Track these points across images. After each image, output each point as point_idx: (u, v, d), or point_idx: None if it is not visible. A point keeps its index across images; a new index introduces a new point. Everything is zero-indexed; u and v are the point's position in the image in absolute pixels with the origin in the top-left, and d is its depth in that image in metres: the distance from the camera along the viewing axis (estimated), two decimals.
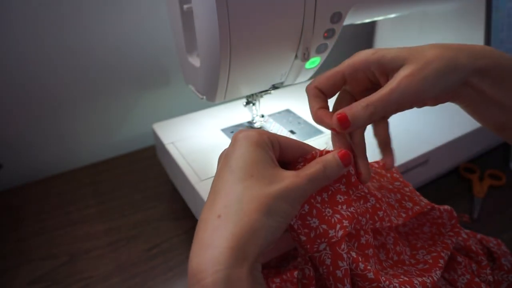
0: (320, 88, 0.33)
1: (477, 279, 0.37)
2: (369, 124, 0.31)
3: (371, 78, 0.32)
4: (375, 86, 0.32)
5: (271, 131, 0.30)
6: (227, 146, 0.56)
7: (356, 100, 0.33)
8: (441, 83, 0.29)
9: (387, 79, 0.31)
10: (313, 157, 0.30)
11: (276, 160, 0.30)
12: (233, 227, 0.24)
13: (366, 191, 0.33)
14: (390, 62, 0.30)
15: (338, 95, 0.35)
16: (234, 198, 0.25)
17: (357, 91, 0.34)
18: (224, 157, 0.29)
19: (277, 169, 0.28)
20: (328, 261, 0.29)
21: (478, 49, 0.30)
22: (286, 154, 0.30)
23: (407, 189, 0.39)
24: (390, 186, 0.38)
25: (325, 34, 0.41)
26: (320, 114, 0.32)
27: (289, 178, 0.27)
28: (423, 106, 0.32)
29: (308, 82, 0.35)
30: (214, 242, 0.24)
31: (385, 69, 0.30)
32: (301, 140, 0.31)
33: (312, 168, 0.29)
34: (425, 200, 0.39)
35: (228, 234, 0.24)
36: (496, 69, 0.30)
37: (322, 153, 0.31)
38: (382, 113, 0.29)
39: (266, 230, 0.25)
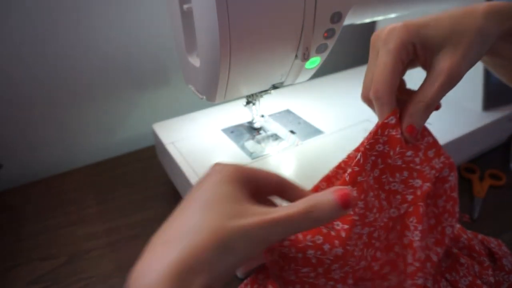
0: (393, 90, 0.30)
1: (478, 281, 0.37)
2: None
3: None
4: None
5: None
6: (227, 146, 0.57)
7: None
8: (478, 57, 0.30)
9: (425, 55, 0.31)
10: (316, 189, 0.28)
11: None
12: (180, 252, 0.22)
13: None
14: (432, 43, 0.30)
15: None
16: (189, 225, 0.23)
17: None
18: (194, 187, 0.27)
19: (246, 206, 0.25)
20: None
21: (503, 10, 0.30)
22: (265, 192, 0.29)
23: (417, 159, 0.32)
24: (399, 162, 0.32)
25: (325, 34, 0.41)
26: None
27: (255, 217, 0.24)
28: None
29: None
30: (153, 268, 0.22)
31: (427, 47, 0.30)
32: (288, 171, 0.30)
33: (292, 208, 0.24)
34: (443, 160, 0.32)
35: (172, 260, 0.21)
36: None
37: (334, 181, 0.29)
38: (437, 103, 0.30)
39: (215, 265, 0.22)
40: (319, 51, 0.43)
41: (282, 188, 0.29)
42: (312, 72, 0.47)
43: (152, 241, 0.25)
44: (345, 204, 0.24)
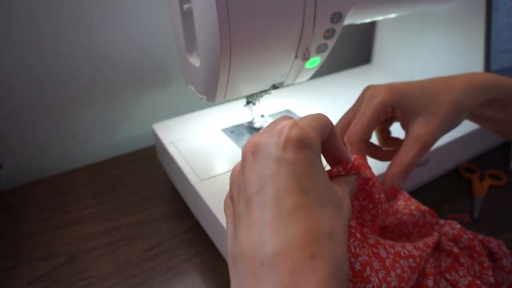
0: (365, 139, 0.35)
1: (478, 281, 0.37)
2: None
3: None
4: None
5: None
6: (227, 146, 0.57)
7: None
8: (452, 126, 0.35)
9: (403, 118, 0.35)
10: (345, 169, 0.27)
11: None
12: (331, 269, 0.19)
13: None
14: (411, 110, 0.34)
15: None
16: (323, 233, 0.20)
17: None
18: (279, 165, 0.21)
19: (331, 184, 0.24)
20: None
21: (480, 86, 0.34)
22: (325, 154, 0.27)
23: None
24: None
25: (325, 34, 0.41)
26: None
27: (345, 198, 0.24)
28: None
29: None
30: (312, 286, 0.19)
31: (406, 112, 0.35)
32: None
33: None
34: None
35: (328, 278, 0.19)
36: (495, 101, 0.35)
37: (354, 164, 0.27)
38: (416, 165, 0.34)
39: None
40: (319, 51, 0.43)
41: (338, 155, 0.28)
42: (312, 72, 0.47)
43: (278, 248, 0.19)
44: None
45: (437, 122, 0.33)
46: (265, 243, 0.20)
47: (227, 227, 0.24)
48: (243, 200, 0.22)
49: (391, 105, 0.34)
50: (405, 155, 0.34)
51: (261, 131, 0.56)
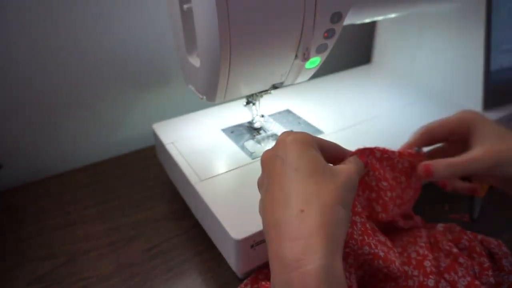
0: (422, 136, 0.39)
1: (477, 282, 0.37)
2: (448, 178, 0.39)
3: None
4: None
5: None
6: (227, 146, 0.57)
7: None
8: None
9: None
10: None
11: None
12: (320, 219, 0.25)
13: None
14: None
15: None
16: (311, 193, 0.27)
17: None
18: (280, 160, 0.29)
19: (328, 165, 0.30)
20: None
21: None
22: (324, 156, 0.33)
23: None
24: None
25: (325, 34, 0.41)
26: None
27: (343, 169, 0.30)
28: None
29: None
30: (304, 233, 0.25)
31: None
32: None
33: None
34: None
35: (317, 226, 0.25)
36: None
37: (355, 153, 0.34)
38: (460, 174, 0.35)
39: (345, 221, 0.27)
40: (319, 51, 0.43)
41: (339, 153, 0.34)
42: (312, 72, 0.47)
43: (280, 215, 0.27)
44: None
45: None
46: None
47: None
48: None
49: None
50: (458, 158, 0.35)
51: (261, 131, 0.56)
